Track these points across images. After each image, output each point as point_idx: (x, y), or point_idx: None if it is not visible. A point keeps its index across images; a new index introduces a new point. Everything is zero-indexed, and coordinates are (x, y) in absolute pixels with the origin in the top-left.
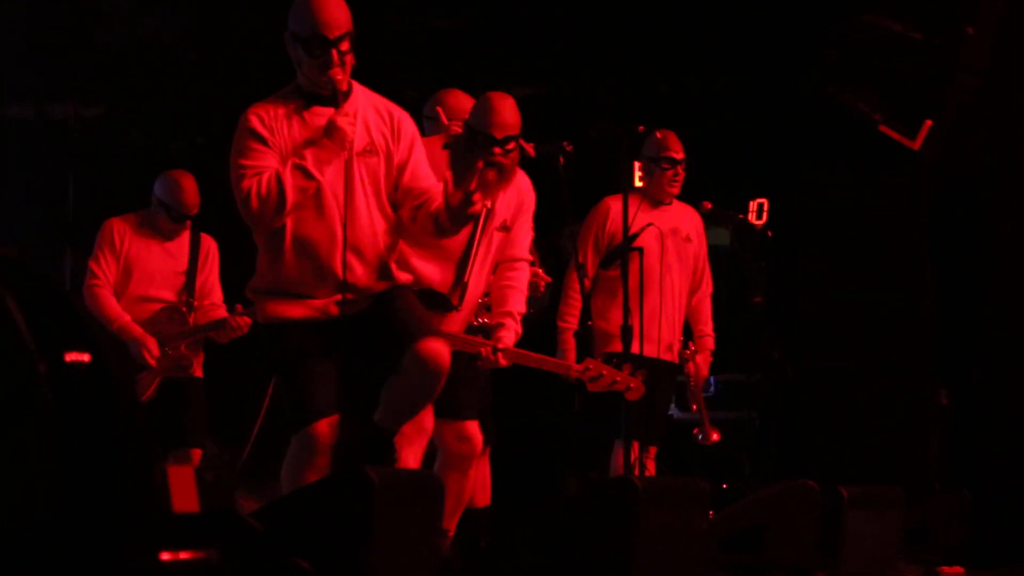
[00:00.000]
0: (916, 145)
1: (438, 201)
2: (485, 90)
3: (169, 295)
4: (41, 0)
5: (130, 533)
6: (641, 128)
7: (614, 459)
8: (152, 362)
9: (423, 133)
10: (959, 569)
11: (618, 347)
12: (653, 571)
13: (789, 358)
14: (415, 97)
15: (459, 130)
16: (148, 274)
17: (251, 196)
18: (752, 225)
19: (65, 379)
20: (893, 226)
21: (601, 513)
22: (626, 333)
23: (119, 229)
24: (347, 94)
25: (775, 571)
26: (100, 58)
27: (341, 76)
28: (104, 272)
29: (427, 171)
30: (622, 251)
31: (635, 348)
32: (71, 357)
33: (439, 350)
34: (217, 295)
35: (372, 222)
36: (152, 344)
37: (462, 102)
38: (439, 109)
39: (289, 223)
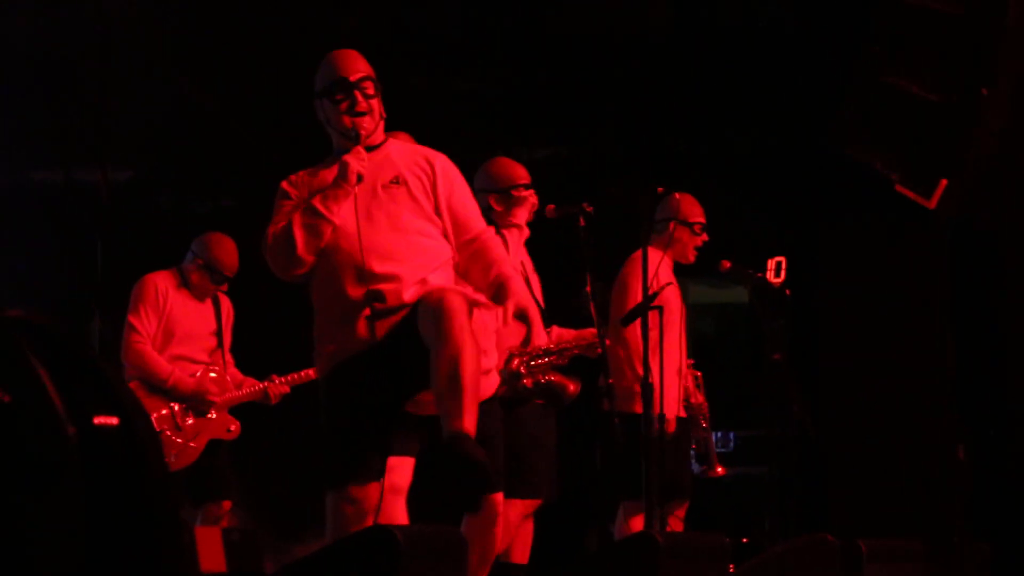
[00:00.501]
0: (931, 204)
1: (477, 247)
2: (505, 152)
3: (203, 356)
4: (68, 67)
5: None
6: (660, 189)
7: (624, 517)
8: (217, 400)
9: None
10: None
11: (639, 406)
12: None
13: (809, 414)
14: None
15: None
16: (187, 333)
17: (267, 241)
18: (770, 283)
19: (94, 442)
20: (912, 283)
21: (623, 568)
22: (647, 391)
23: (162, 286)
24: (376, 146)
25: None
26: (127, 123)
27: (367, 122)
28: (146, 327)
29: (470, 209)
30: (643, 309)
31: (656, 407)
32: (99, 420)
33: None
34: (230, 355)
35: (399, 247)
36: (212, 386)
37: None
38: None
39: (320, 268)
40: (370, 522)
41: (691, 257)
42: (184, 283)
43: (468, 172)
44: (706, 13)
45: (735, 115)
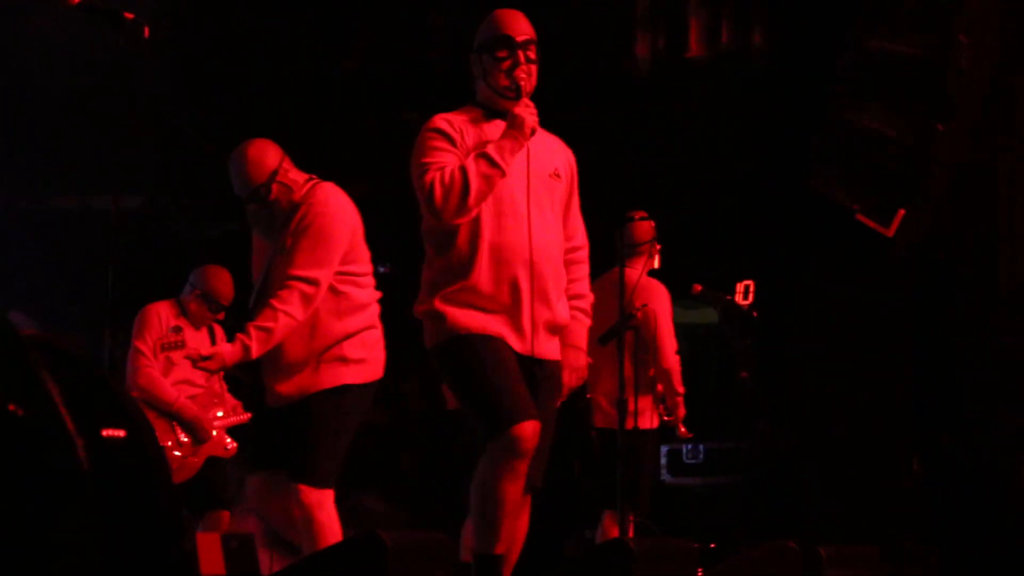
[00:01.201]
0: (890, 232)
1: (573, 257)
2: None
3: (201, 380)
4: (85, 102)
5: None
6: (639, 214)
7: (603, 522)
8: (210, 438)
9: None
10: None
11: (614, 422)
12: None
13: (773, 428)
14: None
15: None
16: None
17: (435, 187)
18: (739, 305)
19: (102, 453)
20: (873, 307)
21: (599, 573)
22: (622, 407)
23: (165, 315)
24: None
25: None
26: (140, 154)
27: (525, 75)
28: (152, 353)
29: (579, 216)
30: (620, 328)
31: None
32: (108, 433)
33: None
34: (224, 383)
35: (556, 244)
36: (209, 426)
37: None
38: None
39: (483, 230)
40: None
41: (658, 264)
42: (183, 312)
43: None
44: (683, 55)
45: (708, 149)
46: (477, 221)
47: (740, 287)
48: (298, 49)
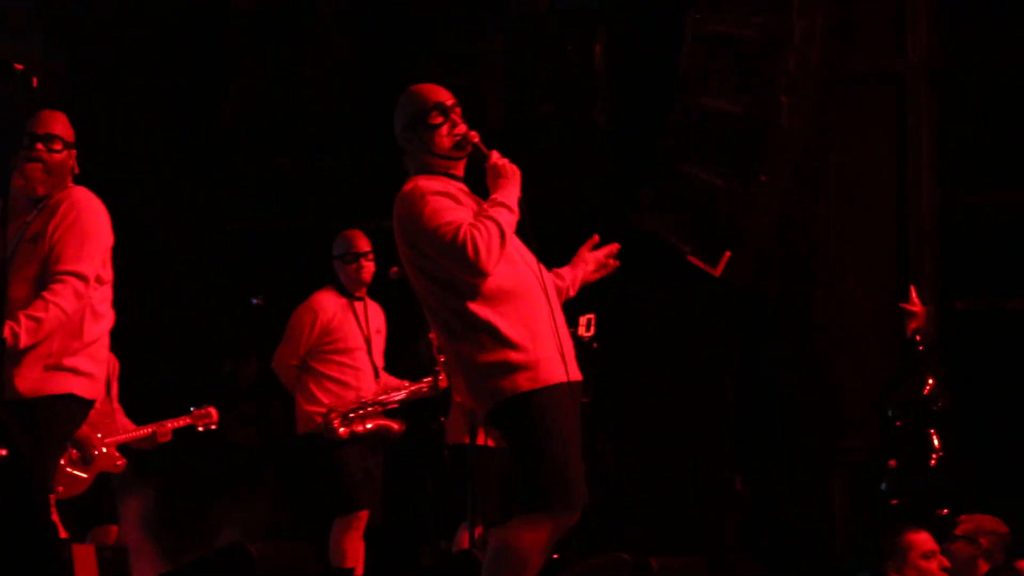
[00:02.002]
0: (717, 272)
1: None
2: (358, 222)
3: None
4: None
5: None
6: None
7: (459, 534)
8: (95, 456)
9: None
10: None
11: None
12: None
13: (610, 449)
14: None
15: None
16: None
17: (476, 241)
18: (581, 337)
19: None
20: (702, 339)
21: None
22: (473, 428)
23: None
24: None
25: None
26: None
27: (474, 132)
28: None
29: None
30: None
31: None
32: None
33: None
34: (119, 405)
35: (549, 277)
36: (97, 443)
37: None
38: None
39: (515, 277)
40: None
41: None
42: None
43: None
44: (533, 108)
45: (555, 194)
46: (511, 268)
47: (583, 320)
48: (181, 97)
